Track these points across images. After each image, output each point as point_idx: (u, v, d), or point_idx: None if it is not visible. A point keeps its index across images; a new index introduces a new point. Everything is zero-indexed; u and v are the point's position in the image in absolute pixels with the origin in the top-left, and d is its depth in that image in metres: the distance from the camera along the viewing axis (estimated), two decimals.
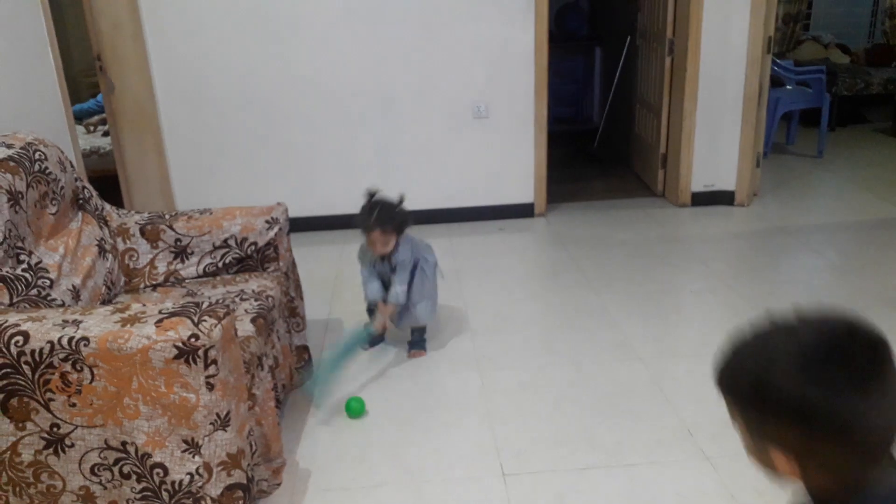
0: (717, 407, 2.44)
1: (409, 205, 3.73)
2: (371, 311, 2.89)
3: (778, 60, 6.09)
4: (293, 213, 4.30)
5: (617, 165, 5.77)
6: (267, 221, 2.44)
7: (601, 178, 5.53)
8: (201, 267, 2.45)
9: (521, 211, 4.57)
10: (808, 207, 4.67)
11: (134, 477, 1.78)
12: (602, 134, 6.29)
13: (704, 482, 2.06)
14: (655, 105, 4.85)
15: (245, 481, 1.86)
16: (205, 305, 1.77)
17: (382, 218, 2.59)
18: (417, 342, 2.89)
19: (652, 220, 4.45)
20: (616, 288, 3.44)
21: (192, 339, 1.66)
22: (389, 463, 2.20)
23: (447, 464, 2.19)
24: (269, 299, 2.22)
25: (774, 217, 4.44)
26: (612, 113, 6.12)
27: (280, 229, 2.48)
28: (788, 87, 6.01)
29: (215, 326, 1.69)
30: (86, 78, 5.93)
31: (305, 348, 2.61)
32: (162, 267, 2.45)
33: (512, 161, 4.46)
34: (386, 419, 2.44)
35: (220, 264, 2.46)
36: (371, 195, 2.65)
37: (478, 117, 4.34)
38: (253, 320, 2.05)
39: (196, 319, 1.69)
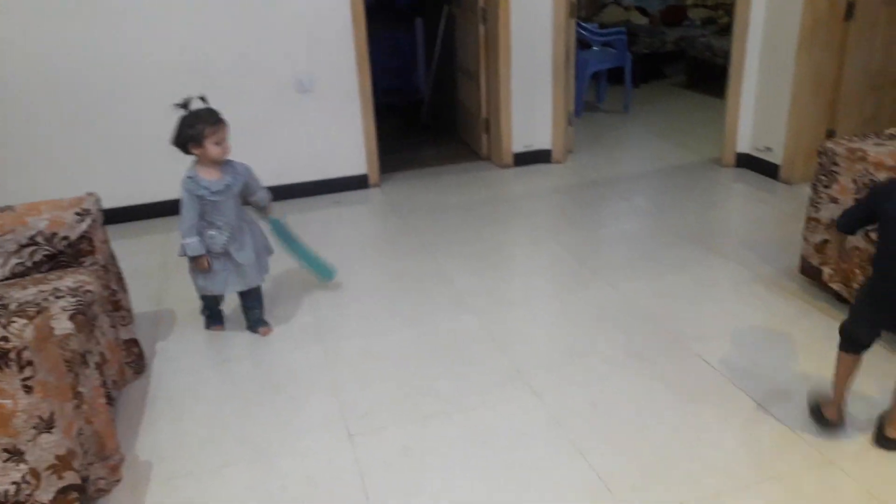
0: (541, 346, 2.66)
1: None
2: (207, 298, 2.85)
3: (584, 24, 6.50)
4: (113, 203, 4.12)
5: (445, 133, 5.94)
6: (77, 213, 2.33)
7: (431, 146, 5.68)
8: (7, 268, 2.30)
9: (356, 183, 4.61)
10: (617, 159, 5.07)
11: None
12: (430, 103, 6.43)
13: (534, 414, 2.25)
14: (474, 72, 5.04)
15: (79, 482, 1.81)
16: (13, 307, 1.69)
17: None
18: (260, 318, 2.88)
19: (479, 183, 4.66)
20: (450, 249, 3.59)
21: (2, 342, 1.58)
22: (236, 442, 2.21)
23: (294, 435, 2.23)
24: (88, 294, 2.13)
25: (588, 171, 4.79)
26: (437, 82, 6.27)
27: (93, 221, 2.37)
28: (595, 48, 6.43)
29: (26, 327, 1.62)
30: None
31: (135, 342, 2.53)
32: None
33: (341, 134, 4.48)
34: (231, 401, 2.43)
35: (28, 263, 2.32)
36: (186, 104, 2.54)
37: (302, 91, 4.30)
38: (71, 317, 1.97)
39: (4, 322, 1.61)
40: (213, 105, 2.59)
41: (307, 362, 2.64)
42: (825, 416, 2.11)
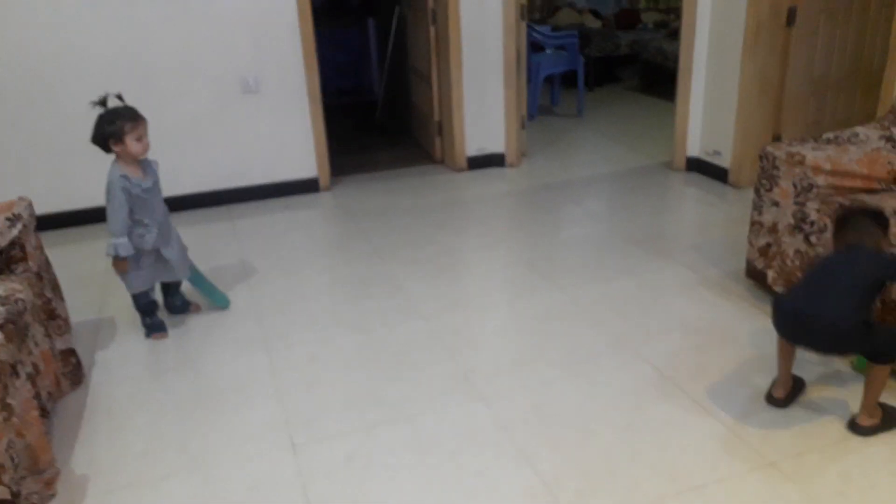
0: (489, 352, 2.68)
1: (181, 188, 3.67)
2: (142, 299, 2.85)
3: (536, 27, 6.58)
4: (49, 209, 4.05)
5: (399, 135, 5.95)
6: (7, 219, 2.27)
7: (385, 148, 5.68)
8: None
9: (306, 187, 4.59)
10: (570, 163, 5.14)
11: None
12: (384, 104, 6.43)
13: (480, 421, 2.27)
14: (426, 74, 5.06)
15: (9, 497, 1.77)
16: None
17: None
18: (185, 300, 3.03)
19: (433, 187, 4.67)
20: (401, 254, 3.60)
21: None
22: (176, 453, 2.18)
23: (236, 445, 2.21)
24: (19, 303, 2.08)
25: (541, 174, 4.85)
26: (391, 83, 6.27)
27: (25, 226, 2.31)
28: (548, 51, 6.51)
29: None
30: None
31: (72, 352, 2.48)
32: None
33: (290, 136, 4.45)
34: (172, 411, 2.40)
35: None
36: (104, 101, 2.59)
37: (248, 92, 4.27)
38: (0, 327, 1.92)
39: None
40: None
41: (251, 370, 2.62)
42: (774, 395, 2.27)
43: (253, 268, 3.51)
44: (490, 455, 2.11)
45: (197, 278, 3.06)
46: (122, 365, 2.69)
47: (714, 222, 3.92)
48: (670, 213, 4.19)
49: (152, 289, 2.87)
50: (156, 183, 2.69)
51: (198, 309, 3.00)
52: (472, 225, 4.00)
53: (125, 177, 2.56)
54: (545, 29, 6.82)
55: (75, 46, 3.90)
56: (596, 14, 8.56)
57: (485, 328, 2.88)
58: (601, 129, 6.05)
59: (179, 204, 4.30)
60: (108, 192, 2.57)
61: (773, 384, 2.30)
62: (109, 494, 2.03)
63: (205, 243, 3.83)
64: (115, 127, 2.52)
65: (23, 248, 2.31)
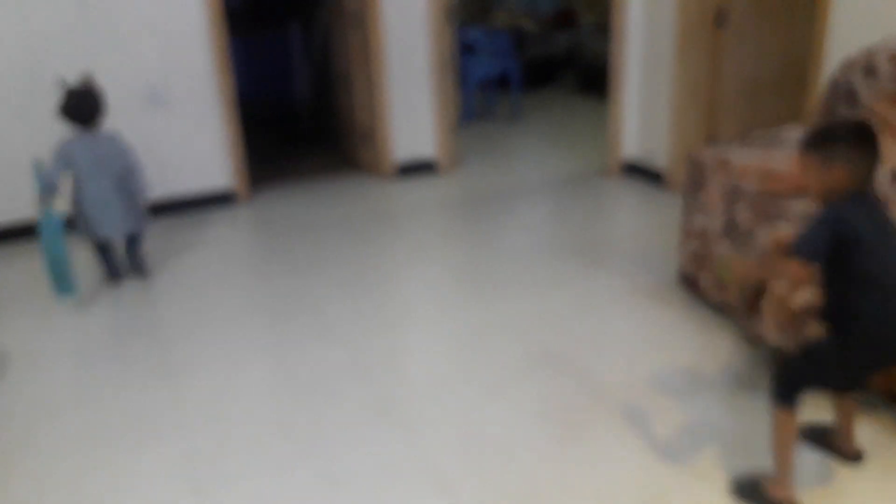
0: (412, 376, 2.61)
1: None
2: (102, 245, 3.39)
3: (470, 29, 6.57)
4: None
5: (325, 143, 5.85)
6: None
7: (310, 157, 5.58)
8: None
9: (222, 199, 4.46)
10: (505, 170, 5.13)
11: None
12: (309, 112, 6.33)
13: (400, 451, 2.20)
14: (351, 79, 4.99)
15: None
16: None
17: None
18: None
19: (359, 197, 4.60)
20: (322, 272, 3.51)
21: None
22: (67, 499, 2.05)
23: (134, 487, 2.09)
24: None
25: (475, 182, 4.82)
26: (316, 90, 6.18)
27: None
28: (481, 54, 6.51)
29: None
30: None
31: None
32: None
33: (202, 146, 4.32)
34: (62, 453, 2.26)
35: None
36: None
37: (156, 102, 4.12)
38: None
39: None
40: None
41: (152, 405, 2.49)
42: (779, 499, 1.85)
43: (160, 290, 3.38)
44: (411, 487, 2.04)
45: (59, 251, 3.10)
46: (9, 401, 2.53)
47: (648, 228, 3.94)
48: (604, 219, 4.20)
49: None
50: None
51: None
52: (400, 237, 3.93)
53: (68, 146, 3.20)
54: (478, 31, 6.81)
55: None
56: (532, 15, 8.61)
57: (408, 351, 2.82)
58: (537, 133, 6.06)
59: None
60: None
61: (771, 484, 1.87)
62: None
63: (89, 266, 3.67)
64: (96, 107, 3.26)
65: None
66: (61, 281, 3.13)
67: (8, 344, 2.93)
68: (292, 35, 6.72)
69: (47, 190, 3.11)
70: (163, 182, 4.27)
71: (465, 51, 6.34)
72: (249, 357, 2.78)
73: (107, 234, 3.34)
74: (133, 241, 3.50)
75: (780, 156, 2.69)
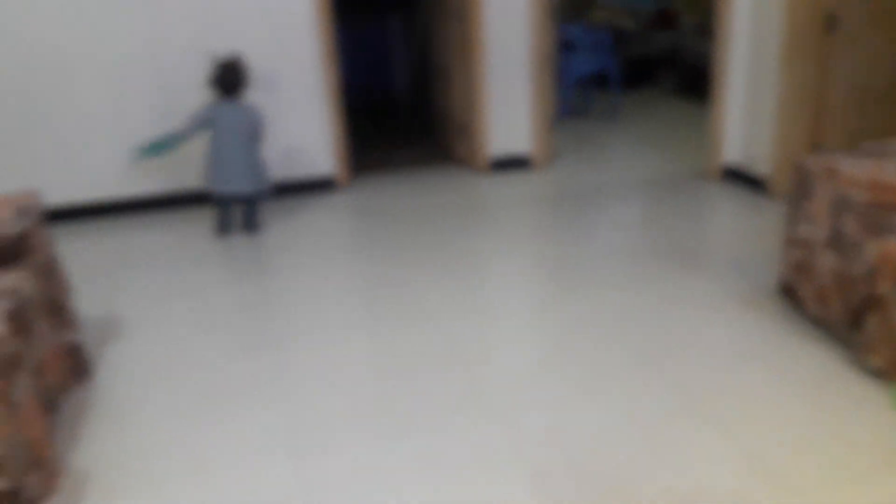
0: (504, 365, 2.69)
1: (199, 183, 3.76)
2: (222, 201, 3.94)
3: (569, 26, 6.59)
4: (60, 201, 4.14)
5: (422, 135, 6.00)
6: (16, 211, 2.34)
7: (407, 148, 5.73)
8: None
9: (323, 185, 4.65)
10: (600, 168, 5.14)
11: None
12: (408, 102, 6.48)
13: (491, 437, 2.29)
14: (450, 73, 5.10)
15: (10, 490, 1.82)
16: None
17: None
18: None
19: (454, 189, 4.71)
20: (417, 257, 3.63)
21: None
22: (177, 456, 2.23)
23: (238, 451, 2.25)
24: (24, 296, 2.14)
25: (569, 179, 4.86)
26: (416, 81, 6.32)
27: (33, 219, 2.38)
28: (580, 51, 6.52)
29: None
30: None
31: (79, 347, 2.54)
32: None
33: (307, 133, 4.51)
34: (174, 413, 2.45)
35: None
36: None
37: (264, 88, 4.33)
38: (5, 320, 1.98)
39: None
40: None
41: (257, 373, 2.66)
42: None
43: (266, 264, 3.57)
44: (501, 474, 2.13)
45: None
46: (129, 362, 2.76)
47: (746, 234, 3.90)
48: (701, 223, 4.17)
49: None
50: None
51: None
52: (493, 229, 4.02)
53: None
54: (579, 28, 6.82)
55: (91, 40, 4.00)
56: (632, 14, 8.54)
57: (500, 340, 2.90)
58: (634, 133, 6.04)
59: (192, 198, 4.39)
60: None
61: None
62: (109, 495, 2.08)
63: (212, 241, 3.91)
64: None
65: (30, 241, 2.37)
66: (151, 148, 3.79)
67: (123, 308, 3.17)
68: (393, 26, 6.89)
69: (169, 139, 3.80)
70: (271, 165, 4.48)
71: (564, 47, 6.37)
72: (346, 335, 2.93)
73: (228, 192, 3.86)
74: (251, 204, 3.99)
75: (893, 168, 2.65)
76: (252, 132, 3.85)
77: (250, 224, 4.03)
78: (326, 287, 3.37)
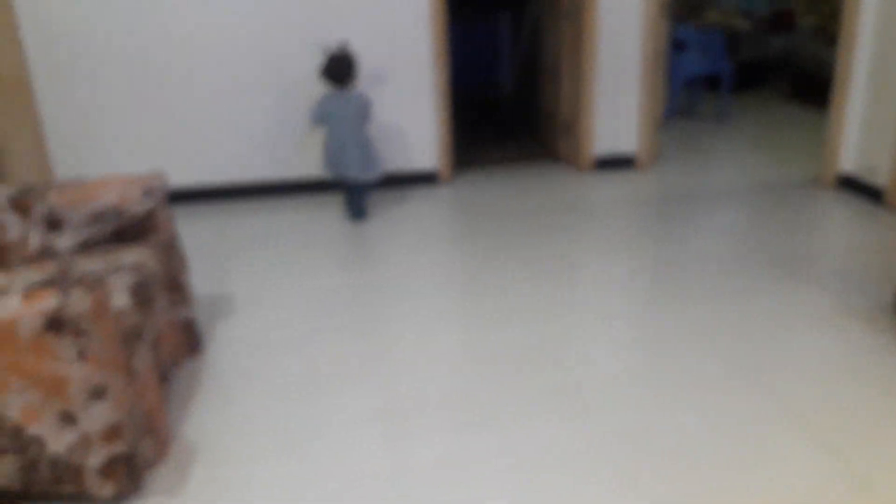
0: (597, 366, 2.66)
1: (310, 173, 4.37)
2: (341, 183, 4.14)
3: (680, 25, 6.41)
4: (180, 183, 4.36)
5: (524, 132, 5.97)
6: (144, 191, 2.48)
7: (508, 144, 5.72)
8: (77, 239, 2.47)
9: (425, 178, 4.70)
10: (706, 171, 4.98)
11: (10, 451, 1.83)
12: (510, 99, 6.47)
13: (581, 437, 2.26)
14: (557, 70, 5.05)
15: (127, 453, 1.94)
16: (74, 277, 1.82)
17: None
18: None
19: (555, 186, 4.67)
20: (515, 254, 3.63)
21: (61, 310, 1.71)
22: (277, 432, 2.31)
23: (334, 430, 2.31)
24: (148, 272, 2.27)
25: (673, 181, 4.73)
26: (520, 78, 6.30)
27: (158, 199, 2.52)
28: (691, 52, 6.33)
29: (85, 297, 1.75)
30: None
31: (192, 322, 2.67)
32: (35, 240, 2.45)
33: (414, 127, 4.57)
34: (275, 391, 2.54)
35: (97, 236, 2.48)
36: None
37: (375, 81, 4.42)
38: (130, 293, 2.11)
39: (65, 290, 1.74)
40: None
41: (354, 358, 2.73)
42: None
43: (369, 254, 3.65)
44: (588, 475, 2.10)
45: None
46: (237, 339, 2.87)
47: (862, 247, 3.69)
48: (812, 233, 3.98)
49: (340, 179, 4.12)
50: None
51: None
52: (594, 229, 3.97)
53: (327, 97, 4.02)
54: (690, 28, 6.62)
55: (213, 28, 4.18)
56: (747, 14, 8.22)
57: (595, 341, 2.86)
58: (743, 137, 5.82)
59: (299, 187, 4.53)
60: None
61: None
62: (214, 465, 2.18)
63: (322, 226, 4.02)
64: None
65: (155, 219, 2.51)
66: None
67: (234, 287, 3.31)
68: (502, 24, 6.88)
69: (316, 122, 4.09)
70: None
71: (674, 47, 6.19)
72: (442, 325, 2.96)
73: (346, 176, 4.02)
74: (360, 191, 4.14)
75: None
76: (363, 117, 4.03)
77: (359, 211, 4.15)
78: (426, 278, 3.41)
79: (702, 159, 5.25)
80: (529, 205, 4.34)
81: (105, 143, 4.27)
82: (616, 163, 4.89)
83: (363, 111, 4.02)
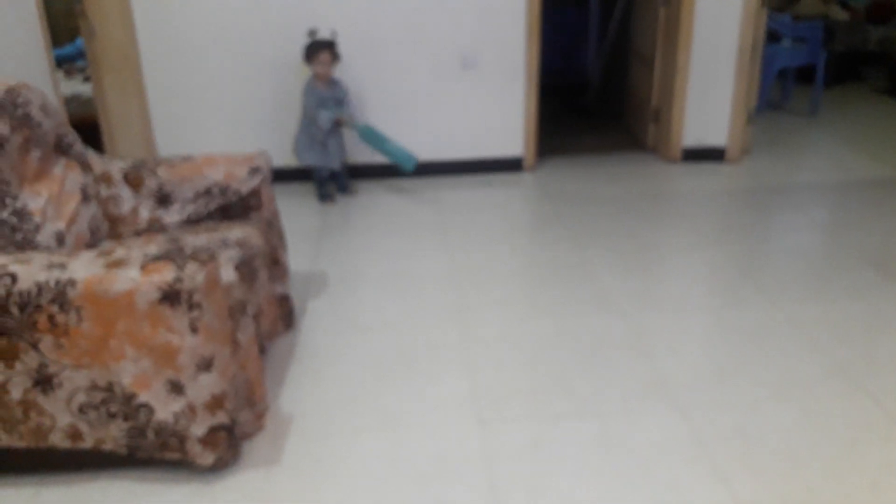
0: (689, 360, 2.56)
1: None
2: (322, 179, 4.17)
3: (776, 15, 6.11)
4: (280, 163, 4.40)
5: (610, 119, 5.81)
6: (249, 170, 2.50)
7: (593, 132, 5.58)
8: (184, 214, 2.51)
9: (510, 165, 4.63)
10: (798, 166, 4.74)
11: (120, 416, 1.87)
12: (597, 87, 6.31)
13: (674, 431, 2.18)
14: (648, 57, 4.88)
15: (228, 423, 1.96)
16: (189, 251, 1.84)
17: (333, 43, 3.94)
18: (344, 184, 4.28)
19: (641, 176, 4.53)
20: (601, 243, 3.53)
21: (177, 283, 1.74)
22: (369, 410, 2.31)
23: (426, 411, 2.30)
24: (253, 248, 2.29)
25: (764, 174, 4.52)
26: (607, 65, 6.13)
27: (262, 178, 2.54)
28: (785, 42, 6.03)
29: (199, 271, 1.77)
30: (65, 22, 5.88)
31: (288, 298, 2.70)
32: (145, 213, 2.51)
33: (501, 114, 4.49)
34: (367, 368, 2.54)
35: (202, 211, 2.52)
36: (314, 32, 3.95)
37: (466, 67, 4.36)
38: (236, 267, 2.13)
39: (180, 264, 1.76)
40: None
41: (445, 340, 2.70)
42: None
43: (453, 240, 3.61)
44: (682, 468, 2.03)
45: (385, 144, 4.05)
46: (330, 316, 2.89)
47: None
48: None
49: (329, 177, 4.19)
50: (336, 98, 4.04)
51: (356, 192, 4.29)
52: (681, 221, 3.83)
53: (312, 86, 3.98)
54: (785, 18, 6.30)
55: (310, 14, 4.18)
56: (843, 5, 7.78)
57: (686, 334, 2.76)
58: (837, 131, 5.51)
59: (384, 171, 4.51)
60: (303, 93, 4.02)
61: None
62: (308, 438, 2.19)
63: (407, 210, 4.01)
64: (309, 52, 3.91)
65: (259, 197, 2.53)
66: (401, 159, 4.03)
67: (326, 265, 3.33)
68: (591, 10, 6.70)
69: (374, 138, 4.08)
70: (460, 142, 4.53)
71: (769, 37, 5.90)
72: (530, 312, 2.90)
73: (329, 164, 4.10)
74: (342, 171, 4.25)
75: None
76: (339, 104, 4.09)
77: (346, 186, 4.30)
78: (512, 265, 3.36)
79: (793, 153, 5.00)
80: (615, 194, 4.22)
81: (206, 121, 4.35)
82: (705, 154, 4.70)
83: (342, 100, 4.09)
